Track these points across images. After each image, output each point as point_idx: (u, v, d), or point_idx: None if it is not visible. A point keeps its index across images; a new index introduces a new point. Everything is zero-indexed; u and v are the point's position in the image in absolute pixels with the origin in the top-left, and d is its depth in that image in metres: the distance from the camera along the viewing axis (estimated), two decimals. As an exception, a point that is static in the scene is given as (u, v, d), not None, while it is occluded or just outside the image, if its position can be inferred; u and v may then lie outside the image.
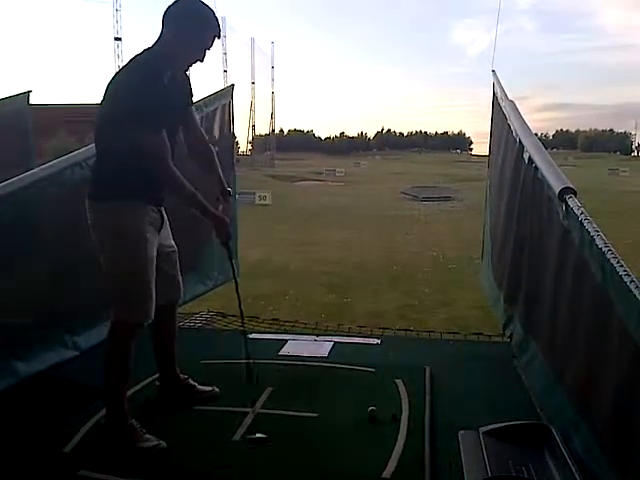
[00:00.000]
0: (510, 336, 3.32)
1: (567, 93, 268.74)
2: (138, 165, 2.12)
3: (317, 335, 3.81)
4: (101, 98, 2.19)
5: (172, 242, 2.51)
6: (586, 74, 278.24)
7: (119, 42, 38.77)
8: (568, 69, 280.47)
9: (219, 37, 2.27)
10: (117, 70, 2.23)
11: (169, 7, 2.21)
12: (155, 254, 2.27)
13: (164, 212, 2.39)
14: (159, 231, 2.33)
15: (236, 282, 2.70)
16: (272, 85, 61.89)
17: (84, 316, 3.13)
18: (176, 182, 2.19)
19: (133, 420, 2.23)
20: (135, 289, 2.21)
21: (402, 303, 7.18)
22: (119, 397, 2.23)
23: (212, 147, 2.56)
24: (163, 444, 2.20)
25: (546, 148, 2.95)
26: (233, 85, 4.52)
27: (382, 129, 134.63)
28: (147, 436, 2.21)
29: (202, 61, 2.28)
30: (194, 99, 2.54)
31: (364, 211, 18.55)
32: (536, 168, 2.69)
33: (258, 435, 2.30)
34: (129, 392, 2.35)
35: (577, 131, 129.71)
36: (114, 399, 2.23)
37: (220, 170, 2.53)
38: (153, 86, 2.10)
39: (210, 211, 2.33)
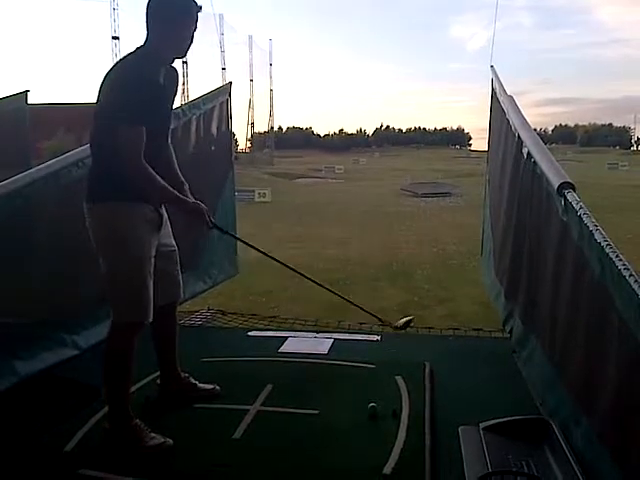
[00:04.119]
0: (510, 331, 3.32)
1: (566, 88, 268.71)
2: (112, 157, 2.09)
3: (317, 332, 3.82)
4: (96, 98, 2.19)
5: (173, 241, 2.50)
6: (585, 68, 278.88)
7: (117, 41, 38.62)
8: (567, 64, 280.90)
9: (200, 10, 2.24)
10: (109, 69, 2.21)
11: (149, 3, 2.19)
12: (153, 254, 2.26)
13: (164, 211, 2.38)
14: (158, 230, 2.33)
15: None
16: (270, 82, 61.81)
17: (84, 315, 3.12)
18: (146, 177, 2.13)
19: (137, 419, 2.23)
20: (133, 289, 2.20)
21: (402, 299, 7.17)
22: (121, 397, 2.22)
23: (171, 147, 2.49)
24: (169, 442, 2.20)
25: (545, 143, 2.94)
26: (231, 83, 4.52)
27: (381, 125, 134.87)
28: (152, 434, 2.21)
29: (192, 42, 2.24)
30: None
31: (364, 208, 18.51)
32: (535, 163, 2.68)
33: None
34: (130, 390, 2.34)
35: (576, 126, 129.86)
36: (116, 399, 2.23)
37: (175, 164, 2.47)
38: (140, 82, 2.09)
39: (183, 201, 2.29)
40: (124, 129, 2.05)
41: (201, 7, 2.24)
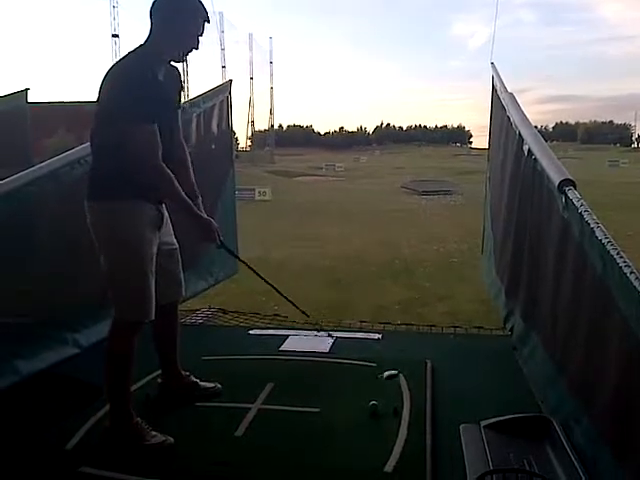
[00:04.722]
0: (511, 329, 3.32)
1: (567, 85, 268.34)
2: (126, 160, 2.08)
3: (318, 330, 3.81)
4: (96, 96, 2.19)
5: (174, 239, 2.50)
6: (586, 66, 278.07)
7: (116, 39, 38.60)
8: (568, 61, 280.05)
9: (208, 21, 2.24)
10: (109, 67, 2.20)
11: (153, 2, 2.19)
12: (154, 252, 2.26)
13: (165, 209, 2.38)
14: (159, 229, 2.32)
15: (255, 271, 2.81)
16: (271, 80, 61.80)
17: (85, 313, 3.13)
18: (164, 179, 2.13)
19: (138, 418, 2.23)
20: (134, 288, 2.20)
21: (404, 297, 7.17)
22: (122, 395, 2.23)
23: (187, 149, 2.49)
24: (170, 440, 2.21)
25: (546, 140, 2.94)
26: (231, 80, 4.51)
27: (381, 123, 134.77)
28: (153, 433, 2.21)
29: (197, 48, 2.24)
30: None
31: (364, 206, 18.50)
32: (535, 160, 2.68)
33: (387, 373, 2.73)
34: (131, 389, 2.34)
35: (577, 123, 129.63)
36: (117, 398, 2.23)
37: (192, 173, 2.46)
38: (142, 80, 2.08)
39: (197, 214, 2.31)
40: (137, 129, 2.04)
41: (209, 19, 2.23)
